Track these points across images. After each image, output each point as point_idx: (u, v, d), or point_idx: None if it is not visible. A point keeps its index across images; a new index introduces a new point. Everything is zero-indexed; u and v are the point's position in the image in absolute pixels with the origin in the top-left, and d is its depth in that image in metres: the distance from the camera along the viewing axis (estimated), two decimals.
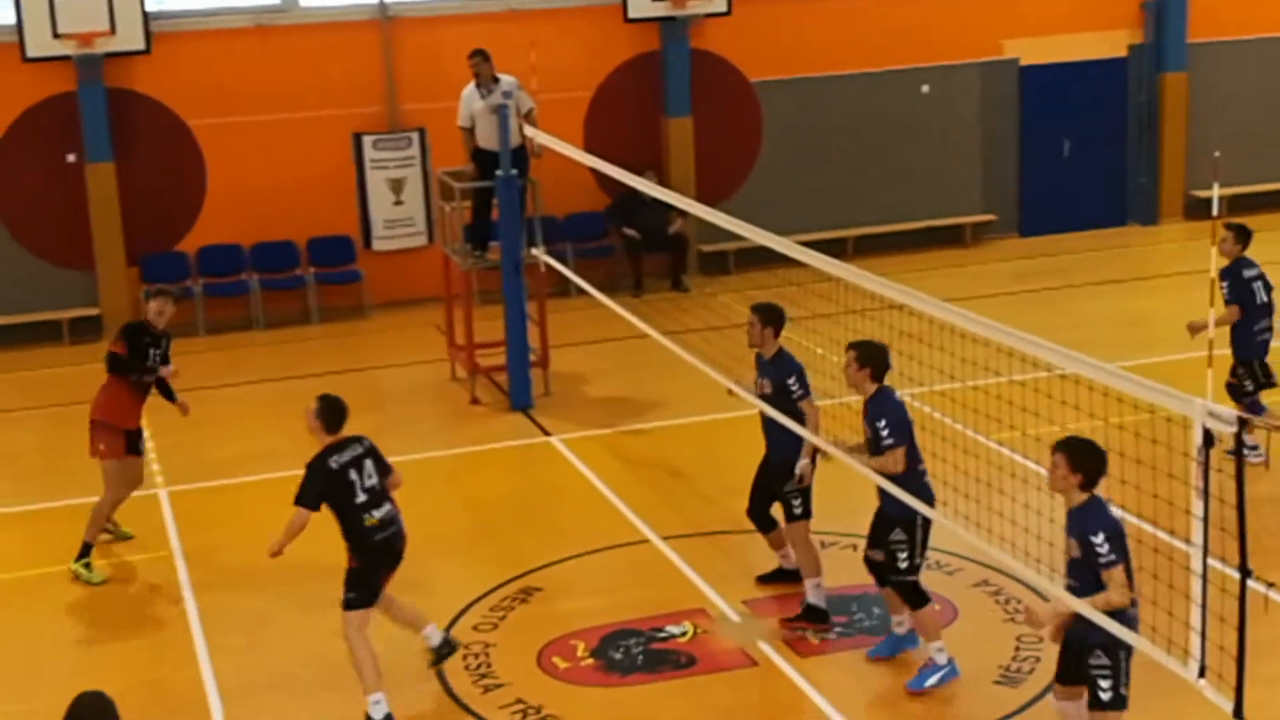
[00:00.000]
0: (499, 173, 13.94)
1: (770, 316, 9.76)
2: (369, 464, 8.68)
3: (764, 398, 9.76)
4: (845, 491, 10.38)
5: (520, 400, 14.31)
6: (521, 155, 14.35)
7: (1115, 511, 6.99)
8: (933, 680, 8.77)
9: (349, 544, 8.61)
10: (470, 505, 12.08)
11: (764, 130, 19.56)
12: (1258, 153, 20.76)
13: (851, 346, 8.94)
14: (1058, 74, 20.34)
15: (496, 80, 14.77)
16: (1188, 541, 6.16)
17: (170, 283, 17.71)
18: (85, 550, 10.90)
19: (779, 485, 9.74)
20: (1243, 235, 11.89)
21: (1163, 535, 7.75)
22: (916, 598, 8.84)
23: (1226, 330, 11.47)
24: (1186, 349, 12.31)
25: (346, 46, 18.14)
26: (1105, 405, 7.36)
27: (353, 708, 8.64)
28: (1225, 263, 11.73)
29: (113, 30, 16.94)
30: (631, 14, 18.56)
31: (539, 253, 14.46)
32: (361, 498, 8.55)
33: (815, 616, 9.70)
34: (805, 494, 9.71)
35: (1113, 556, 6.82)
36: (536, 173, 14.72)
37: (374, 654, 8.58)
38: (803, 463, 9.56)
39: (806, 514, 9.71)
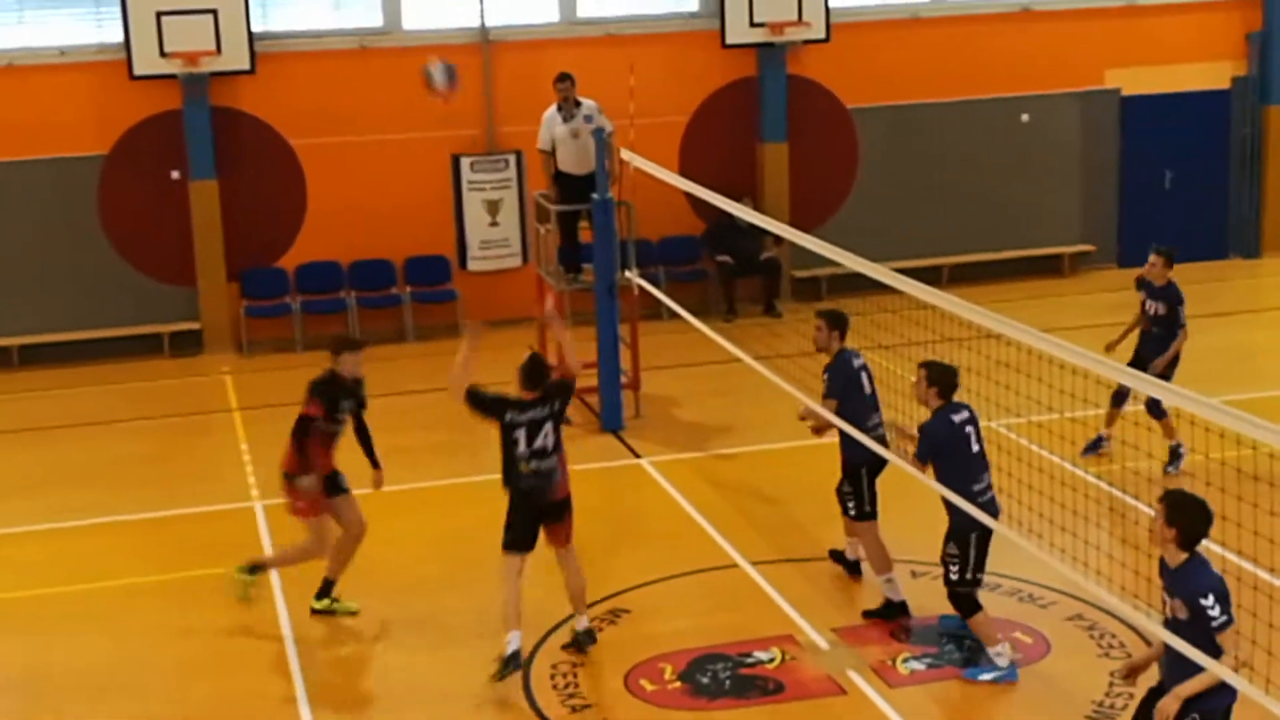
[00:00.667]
0: (594, 195, 14.01)
1: (836, 319, 10.28)
2: (548, 426, 9.44)
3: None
4: (939, 523, 10.29)
5: (611, 422, 14.34)
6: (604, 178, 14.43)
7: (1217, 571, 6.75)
8: (987, 676, 9.06)
9: (508, 490, 9.49)
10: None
11: (860, 156, 19.50)
12: None
13: (923, 365, 9.29)
14: (1160, 105, 20.10)
15: (578, 104, 14.87)
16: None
17: (268, 298, 18.12)
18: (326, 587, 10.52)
19: (839, 486, 10.35)
20: None
21: (1263, 574, 7.60)
22: (966, 606, 9.16)
23: None
24: None
25: None
26: (1207, 440, 7.24)
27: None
28: None
29: (218, 50, 17.25)
30: (729, 39, 18.58)
31: (632, 276, 14.50)
32: (524, 450, 9.36)
33: (893, 611, 10.03)
34: (859, 497, 10.21)
35: (1225, 618, 6.65)
36: (630, 196, 14.78)
37: (514, 596, 9.26)
38: (802, 409, 10.60)
39: (861, 515, 10.22)
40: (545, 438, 9.40)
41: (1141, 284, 12.68)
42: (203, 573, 11.33)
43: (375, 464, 10.59)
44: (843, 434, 10.05)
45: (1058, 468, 10.50)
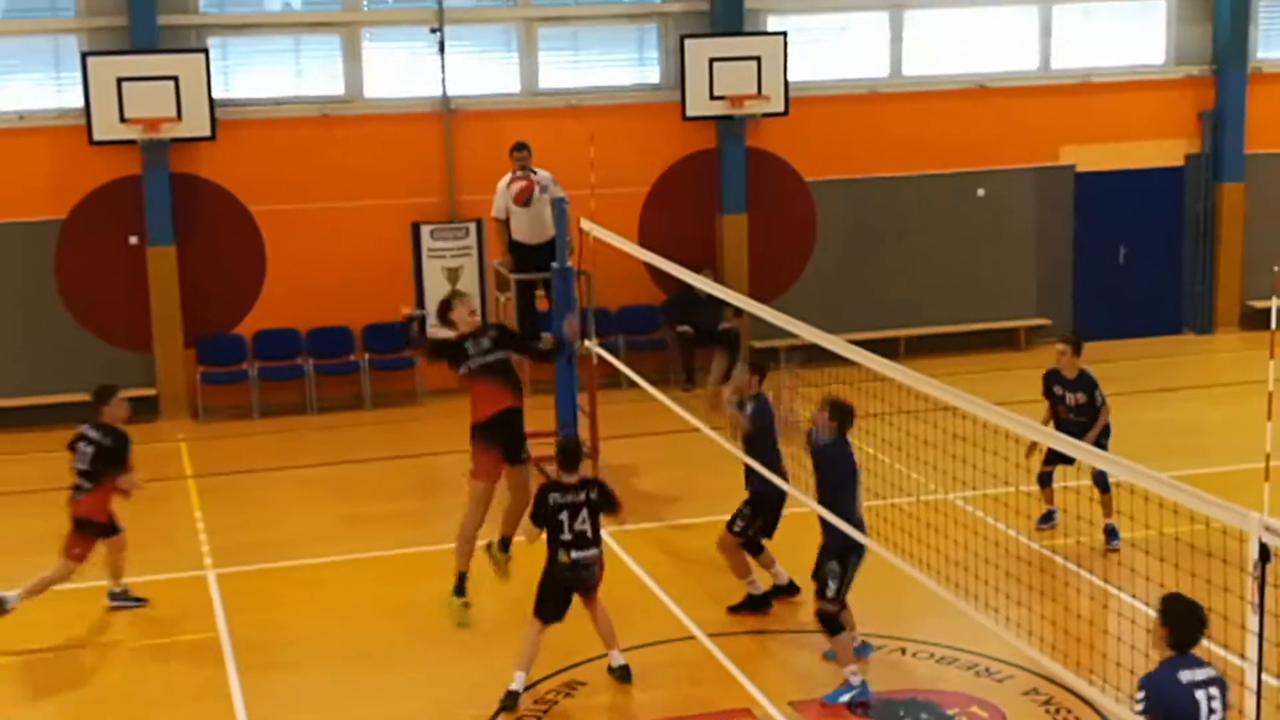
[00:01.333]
0: (554, 264, 14.06)
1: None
2: (585, 512, 9.87)
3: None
4: (894, 597, 10.30)
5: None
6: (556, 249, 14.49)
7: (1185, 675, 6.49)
8: (844, 698, 9.65)
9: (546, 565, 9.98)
10: (517, 595, 12.03)
11: (818, 229, 19.65)
12: None
13: (827, 401, 9.92)
14: (1114, 181, 20.37)
15: (534, 174, 14.95)
16: (1242, 656, 6.07)
17: (225, 365, 18.05)
18: (460, 580, 11.30)
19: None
20: None
21: (1216, 649, 7.64)
22: (835, 626, 9.72)
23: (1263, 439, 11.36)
24: (1243, 460, 12.19)
25: (408, 137, 18.41)
26: (1160, 516, 7.30)
27: None
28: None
29: (179, 116, 17.25)
30: (689, 112, 18.75)
31: (591, 344, 14.53)
32: (566, 536, 9.85)
33: (756, 605, 11.33)
34: (749, 520, 11.28)
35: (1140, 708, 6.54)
36: (590, 266, 14.84)
37: (533, 649, 9.87)
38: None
39: (742, 533, 11.28)
40: (583, 523, 9.83)
41: (1053, 378, 12.81)
42: (153, 642, 11.21)
43: None
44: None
45: (1012, 540, 10.56)
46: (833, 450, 9.86)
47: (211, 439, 17.08)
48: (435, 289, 18.63)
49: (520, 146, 15.13)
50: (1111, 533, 12.29)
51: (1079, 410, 12.59)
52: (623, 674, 10.18)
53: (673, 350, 18.92)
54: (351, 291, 18.31)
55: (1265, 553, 5.69)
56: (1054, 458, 12.45)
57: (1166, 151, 20.60)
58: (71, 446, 11.41)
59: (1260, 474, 10.02)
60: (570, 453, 10.07)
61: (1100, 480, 12.28)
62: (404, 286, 18.54)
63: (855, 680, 9.75)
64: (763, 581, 11.47)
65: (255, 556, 13.06)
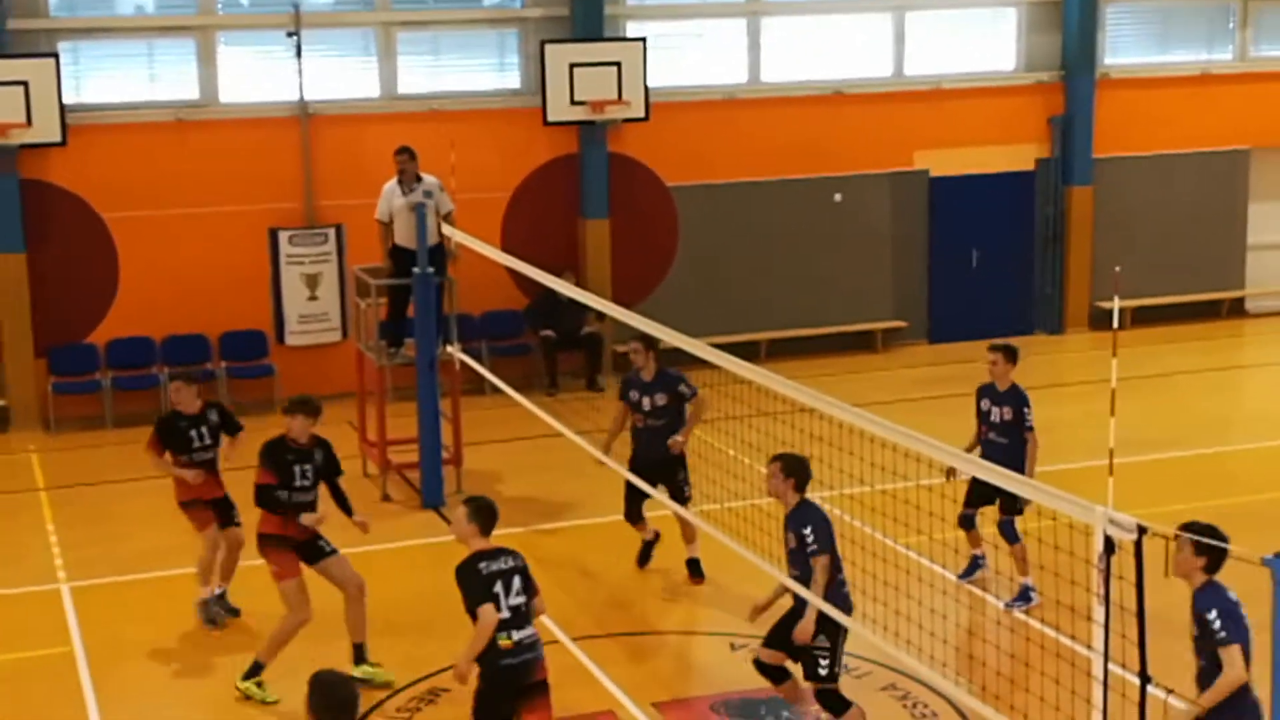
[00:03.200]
0: (416, 270, 13.99)
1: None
2: (517, 581, 8.15)
3: (652, 411, 11.72)
4: (756, 595, 10.40)
5: (432, 498, 14.25)
6: (439, 254, 14.43)
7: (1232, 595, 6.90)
8: None
9: (478, 662, 8.11)
10: (379, 604, 11.92)
11: (680, 233, 19.78)
12: (1161, 266, 21.30)
13: (776, 459, 9.02)
14: (967, 185, 20.79)
15: (419, 179, 14.88)
16: (1089, 647, 6.26)
17: (77, 375, 17.67)
18: (255, 669, 10.22)
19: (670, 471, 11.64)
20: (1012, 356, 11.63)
21: (1065, 640, 7.85)
22: (840, 705, 8.81)
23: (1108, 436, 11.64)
24: (1090, 457, 12.52)
25: (265, 142, 18.19)
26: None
27: None
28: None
29: (29, 122, 16.87)
30: (551, 117, 18.77)
31: (454, 350, 14.49)
32: (504, 615, 8.03)
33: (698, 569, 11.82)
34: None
35: (1225, 634, 6.81)
36: (454, 272, 14.79)
37: None
38: (678, 439, 11.64)
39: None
40: (518, 595, 8.14)
41: (983, 392, 11.69)
42: (5, 657, 10.95)
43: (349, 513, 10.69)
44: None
45: (870, 539, 10.70)
46: (798, 514, 8.93)
47: (63, 450, 16.71)
48: (294, 295, 18.44)
49: (401, 150, 15.00)
50: (1024, 594, 11.10)
51: (1003, 430, 11.43)
52: None
53: (536, 355, 18.92)
54: (207, 299, 18.03)
55: (1110, 545, 5.86)
56: (977, 498, 11.45)
57: (1017, 156, 21.08)
58: None
59: (1105, 469, 10.31)
60: (486, 511, 8.31)
61: (1007, 530, 11.27)
62: (261, 294, 18.33)
63: None
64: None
65: (110, 569, 12.81)
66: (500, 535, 10.94)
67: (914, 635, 8.36)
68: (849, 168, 20.31)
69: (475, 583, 8.03)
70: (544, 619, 11.33)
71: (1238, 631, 6.82)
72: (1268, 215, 22.12)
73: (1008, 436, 11.36)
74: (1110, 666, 6.04)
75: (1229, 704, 6.77)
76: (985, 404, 11.57)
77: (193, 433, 11.50)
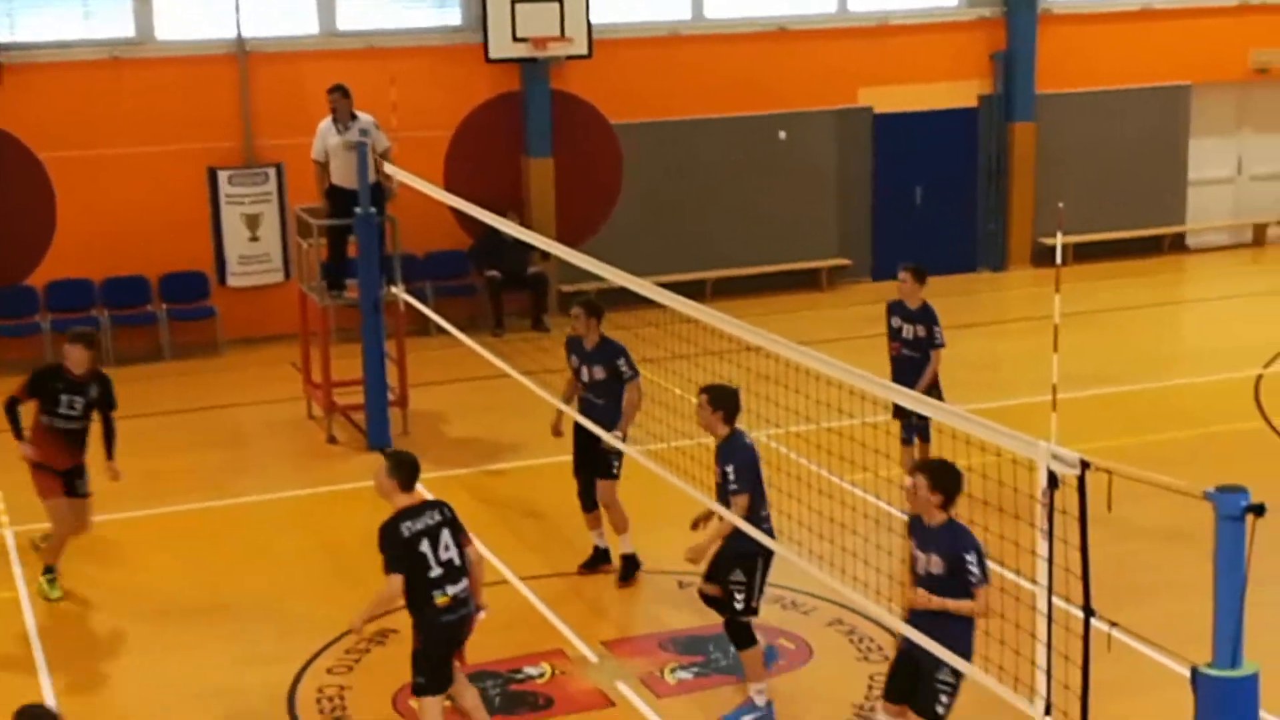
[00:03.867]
0: (357, 210, 13.87)
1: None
2: (446, 534, 7.93)
3: (593, 384, 10.87)
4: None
5: (378, 439, 14.20)
6: (378, 193, 14.31)
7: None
8: (746, 719, 8.91)
9: (414, 621, 7.97)
10: (326, 546, 11.95)
11: (624, 172, 19.71)
12: (1103, 202, 21.43)
13: (704, 390, 9.08)
14: (910, 123, 20.80)
15: (354, 117, 14.73)
16: (1033, 581, 6.32)
17: (16, 318, 17.45)
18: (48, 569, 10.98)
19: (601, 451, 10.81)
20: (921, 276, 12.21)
21: (1009, 575, 7.93)
22: (745, 638, 8.96)
23: (1051, 371, 11.75)
24: (1034, 393, 12.63)
25: (203, 80, 17.94)
26: (954, 447, 7.52)
27: None
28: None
29: None
30: (492, 54, 18.60)
31: (398, 291, 14.40)
32: (435, 571, 7.86)
33: (633, 566, 11.01)
34: (622, 456, 10.71)
35: (982, 575, 7.23)
36: (395, 210, 14.68)
37: None
38: (615, 434, 10.71)
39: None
40: (448, 549, 7.91)
41: (894, 309, 12.19)
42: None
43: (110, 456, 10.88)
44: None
45: (816, 476, 10.74)
46: (725, 449, 8.95)
47: (2, 394, 16.49)
48: (234, 236, 18.26)
49: (334, 89, 14.82)
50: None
51: (915, 345, 12.03)
52: None
53: (481, 296, 18.85)
54: (147, 240, 17.83)
55: (1053, 480, 5.90)
56: (901, 412, 11.74)
57: (960, 93, 21.10)
58: None
59: (1049, 405, 10.40)
60: (406, 464, 8.07)
61: (922, 430, 11.86)
62: (201, 234, 18.14)
63: (761, 701, 8.97)
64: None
65: None
66: (446, 477, 11.05)
67: (860, 571, 8.42)
68: (793, 105, 20.26)
69: (396, 545, 7.78)
70: (491, 559, 11.38)
71: (986, 571, 7.26)
72: (1208, 151, 22.28)
73: (919, 351, 11.99)
74: (1054, 600, 6.10)
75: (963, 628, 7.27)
76: (896, 321, 12.13)
77: (64, 398, 10.69)
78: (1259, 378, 15.77)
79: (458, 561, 7.96)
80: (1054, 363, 9.33)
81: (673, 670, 9.68)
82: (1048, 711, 6.15)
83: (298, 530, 12.28)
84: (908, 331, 12.06)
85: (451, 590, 7.90)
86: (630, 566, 11.08)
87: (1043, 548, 6.03)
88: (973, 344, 17.47)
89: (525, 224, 17.01)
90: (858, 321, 18.47)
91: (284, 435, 15.04)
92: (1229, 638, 5.14)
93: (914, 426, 11.91)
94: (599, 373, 10.92)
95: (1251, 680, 5.17)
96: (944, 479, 7.38)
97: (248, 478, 13.79)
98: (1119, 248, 21.57)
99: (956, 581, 7.30)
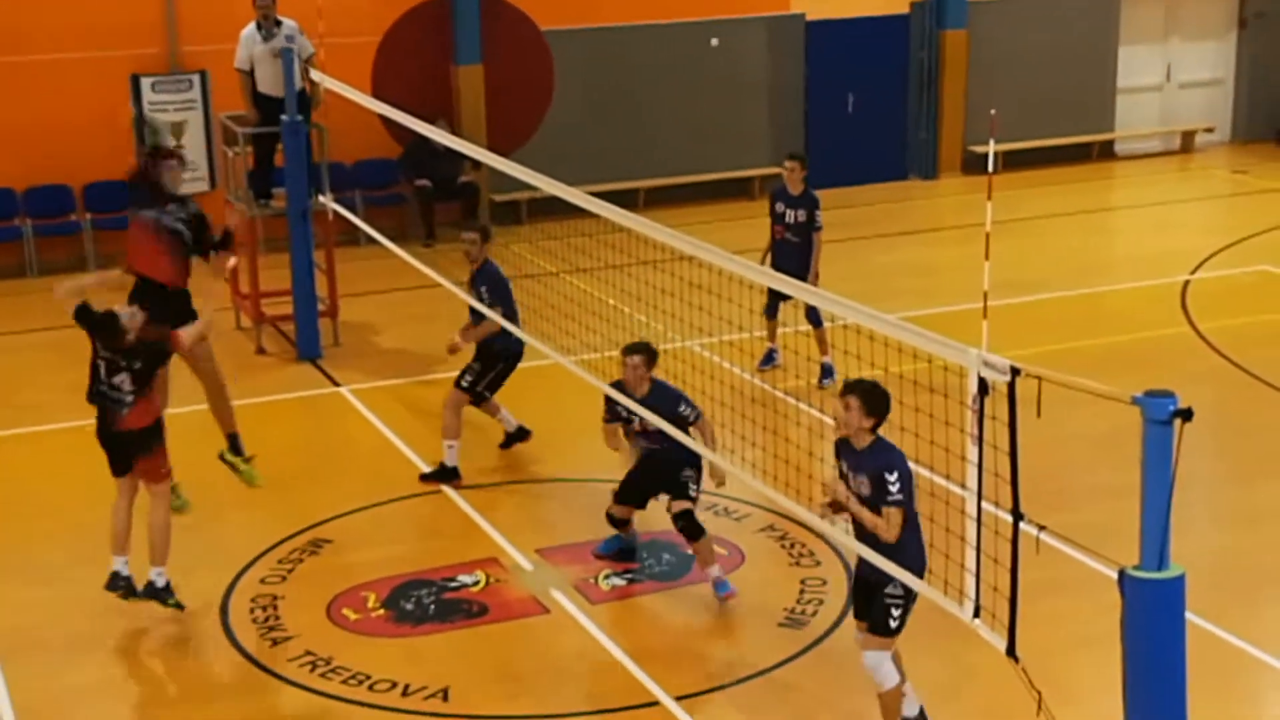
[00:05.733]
0: (284, 117, 13.67)
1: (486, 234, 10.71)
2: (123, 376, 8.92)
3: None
4: None
5: (308, 350, 14.10)
6: (304, 101, 14.09)
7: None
8: (722, 594, 9.22)
9: None
10: (257, 457, 11.87)
11: (556, 80, 19.49)
12: (1033, 109, 21.47)
13: (631, 351, 9.34)
14: (843, 29, 20.71)
15: (279, 24, 14.47)
16: (963, 486, 6.38)
17: None
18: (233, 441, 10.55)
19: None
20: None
21: (939, 480, 8.01)
22: (696, 530, 9.25)
23: (982, 279, 11.85)
24: (965, 300, 12.73)
25: None
26: (886, 355, 7.55)
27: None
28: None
29: None
30: None
31: (326, 200, 14.24)
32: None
33: (447, 475, 11.09)
34: (483, 377, 11.15)
35: (900, 496, 7.22)
36: (322, 118, 14.48)
37: (120, 524, 9.04)
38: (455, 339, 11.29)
39: (473, 393, 11.19)
40: (121, 380, 8.96)
41: (777, 195, 13.06)
42: None
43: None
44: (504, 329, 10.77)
45: (749, 385, 10.87)
46: (651, 400, 9.23)
47: None
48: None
49: None
50: (826, 371, 12.67)
51: (796, 230, 12.83)
52: (163, 593, 9.14)
53: (411, 205, 18.66)
54: (70, 148, 17.48)
55: (984, 386, 5.94)
56: (777, 295, 12.68)
57: None
58: None
59: (980, 312, 10.46)
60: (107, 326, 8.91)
61: (812, 315, 12.58)
62: (126, 143, 17.80)
63: (719, 573, 9.33)
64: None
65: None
66: (378, 387, 10.96)
67: (792, 477, 8.48)
68: (725, 11, 20.10)
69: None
70: (425, 468, 11.36)
71: (909, 495, 7.26)
72: (1137, 58, 22.37)
73: (801, 235, 12.82)
74: (983, 505, 6.17)
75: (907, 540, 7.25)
76: (780, 207, 12.96)
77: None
78: (1186, 283, 15.96)
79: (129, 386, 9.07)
80: (985, 270, 9.38)
81: (606, 577, 9.74)
82: (976, 614, 6.24)
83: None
84: (790, 216, 12.88)
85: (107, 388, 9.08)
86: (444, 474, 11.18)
87: (973, 453, 6.08)
88: (905, 251, 17.56)
89: (455, 132, 16.81)
90: None
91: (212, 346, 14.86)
92: (1156, 540, 5.22)
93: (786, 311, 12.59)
94: (483, 292, 11.03)
95: (1177, 582, 5.25)
96: (878, 402, 7.37)
97: (176, 388, 13.64)
98: (1049, 155, 21.66)
99: (878, 498, 7.32)
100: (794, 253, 12.72)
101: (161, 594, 9.12)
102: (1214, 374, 13.22)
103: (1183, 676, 5.35)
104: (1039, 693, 5.83)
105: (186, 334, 9.33)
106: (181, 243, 9.97)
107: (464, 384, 11.24)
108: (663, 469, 9.37)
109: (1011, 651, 5.94)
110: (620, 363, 9.34)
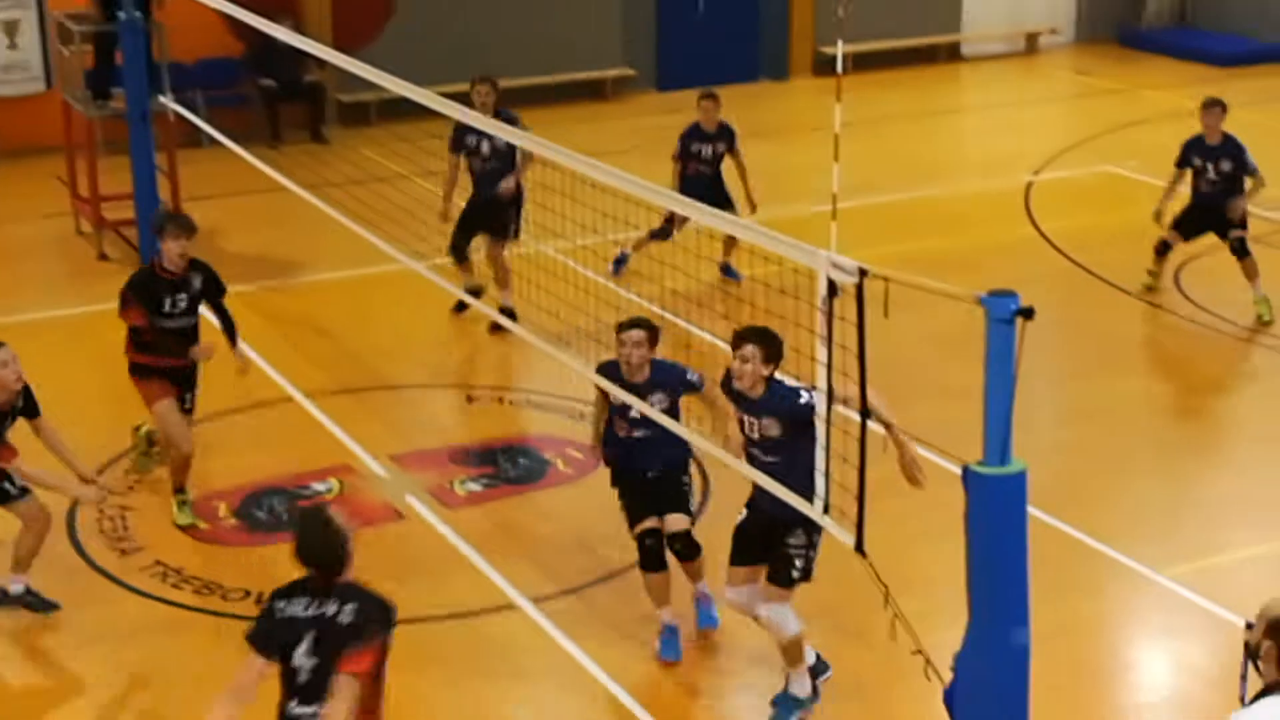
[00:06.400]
0: (121, 15, 13.23)
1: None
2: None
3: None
4: (490, 348, 10.48)
5: (151, 256, 13.78)
6: None
7: None
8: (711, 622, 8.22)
9: None
10: (102, 364, 11.58)
11: None
12: (882, 11, 21.52)
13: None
14: None
15: None
16: (813, 387, 6.47)
17: None
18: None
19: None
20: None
21: (789, 380, 8.11)
22: (694, 548, 8.04)
23: (832, 181, 12.00)
24: (815, 202, 12.85)
25: None
26: (737, 257, 7.61)
27: None
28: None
29: None
30: None
31: (167, 101, 13.86)
32: None
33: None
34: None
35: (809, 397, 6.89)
36: (162, 16, 14.05)
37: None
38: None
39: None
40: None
41: (692, 135, 13.06)
42: None
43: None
44: None
45: (603, 288, 10.85)
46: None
47: None
48: None
49: None
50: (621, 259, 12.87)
51: (712, 162, 13.10)
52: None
53: (256, 106, 18.24)
54: None
55: (833, 288, 6.00)
56: (666, 226, 12.67)
57: None
58: None
59: (829, 214, 10.59)
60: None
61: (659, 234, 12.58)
62: None
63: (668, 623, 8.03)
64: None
65: None
66: (228, 293, 10.73)
67: None
68: None
69: None
70: (276, 376, 11.22)
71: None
72: None
73: (713, 167, 13.11)
74: (833, 405, 6.26)
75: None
76: (695, 146, 13.05)
77: (168, 299, 9.20)
78: (1029, 185, 16.25)
79: None
80: (835, 172, 9.47)
81: (462, 482, 9.75)
82: (826, 511, 6.36)
83: (71, 350, 11.90)
84: (706, 152, 13.03)
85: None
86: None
87: (823, 354, 6.16)
88: (755, 154, 17.55)
89: (300, 30, 16.42)
90: (643, 132, 18.43)
91: (52, 253, 14.49)
92: (998, 437, 5.34)
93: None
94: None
95: (1019, 477, 5.39)
96: (776, 348, 7.10)
97: (15, 297, 13.27)
98: (897, 57, 21.80)
99: (797, 437, 6.89)
100: (709, 186, 12.80)
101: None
102: (1056, 274, 13.53)
103: (1024, 568, 5.51)
104: (885, 586, 5.96)
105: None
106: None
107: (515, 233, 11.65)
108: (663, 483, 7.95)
109: (860, 547, 6.07)
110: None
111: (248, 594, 8.42)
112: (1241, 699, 5.01)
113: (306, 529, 5.63)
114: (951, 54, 22.57)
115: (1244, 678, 4.96)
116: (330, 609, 5.55)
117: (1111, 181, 16.42)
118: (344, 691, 5.44)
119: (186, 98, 15.62)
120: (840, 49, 7.74)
